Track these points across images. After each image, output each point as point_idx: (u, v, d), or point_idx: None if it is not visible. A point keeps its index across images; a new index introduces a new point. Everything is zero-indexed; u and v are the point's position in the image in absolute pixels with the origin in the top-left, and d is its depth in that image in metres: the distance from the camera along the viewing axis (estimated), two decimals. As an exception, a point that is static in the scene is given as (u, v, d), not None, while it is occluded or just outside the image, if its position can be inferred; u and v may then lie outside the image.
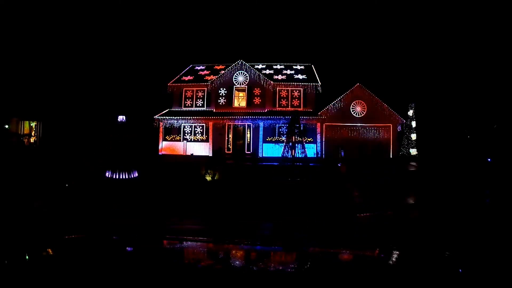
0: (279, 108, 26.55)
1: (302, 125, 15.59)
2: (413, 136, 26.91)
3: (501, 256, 6.04)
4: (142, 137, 28.06)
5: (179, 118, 26.48)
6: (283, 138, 22.92)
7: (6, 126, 28.88)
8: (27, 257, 2.11)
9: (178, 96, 27.99)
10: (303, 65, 30.61)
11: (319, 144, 25.57)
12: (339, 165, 11.34)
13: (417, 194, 13.41)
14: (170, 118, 26.55)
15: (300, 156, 14.23)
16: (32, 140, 30.96)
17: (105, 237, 2.73)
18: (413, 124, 27.17)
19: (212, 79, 27.75)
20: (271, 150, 25.43)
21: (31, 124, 31.31)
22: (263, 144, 25.85)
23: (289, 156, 14.07)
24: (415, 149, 26.64)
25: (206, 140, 26.29)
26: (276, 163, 17.87)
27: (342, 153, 11.36)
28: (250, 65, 27.62)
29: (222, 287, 1.81)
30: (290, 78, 28.34)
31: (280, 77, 28.31)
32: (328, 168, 15.72)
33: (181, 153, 25.95)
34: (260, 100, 26.78)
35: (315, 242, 7.81)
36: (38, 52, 35.80)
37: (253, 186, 13.77)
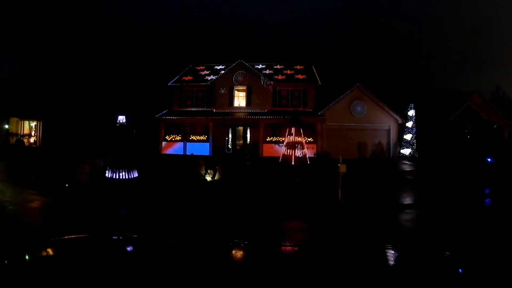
0: (279, 108, 26.56)
1: (302, 125, 15.60)
2: (413, 136, 26.90)
3: (501, 256, 6.04)
4: (142, 137, 28.08)
5: (179, 118, 26.49)
6: (283, 138, 22.93)
7: (6, 126, 28.88)
8: (27, 257, 2.11)
9: (178, 96, 28.01)
10: (303, 65, 30.62)
11: (319, 144, 25.58)
12: (339, 165, 11.33)
13: (417, 194, 13.42)
14: (170, 118, 26.56)
15: (300, 156, 14.21)
16: (32, 140, 30.96)
17: (105, 238, 2.73)
18: (413, 124, 27.17)
19: (212, 79, 27.75)
20: (271, 150, 25.43)
21: (31, 124, 31.30)
22: (263, 144, 25.85)
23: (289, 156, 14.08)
24: (415, 149, 26.64)
25: (206, 140, 26.29)
26: (276, 163, 17.86)
27: (343, 153, 11.40)
28: (250, 65, 27.63)
29: (225, 285, 1.81)
30: (290, 78, 28.35)
31: (280, 77, 28.32)
32: (328, 168, 15.73)
33: (181, 153, 25.96)
34: (260, 100, 26.78)
35: (315, 242, 7.80)
36: (39, 52, 35.81)
37: (253, 186, 13.76)
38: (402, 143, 27.23)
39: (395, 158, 26.19)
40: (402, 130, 27.40)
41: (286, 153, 14.31)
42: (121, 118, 14.01)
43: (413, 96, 34.53)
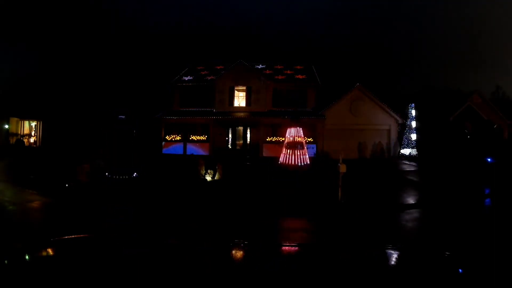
0: (279, 108, 26.51)
1: (300, 123, 15.61)
2: (413, 136, 26.91)
3: (500, 256, 6.04)
4: (142, 137, 28.06)
5: (179, 118, 26.47)
6: (283, 138, 22.88)
7: (6, 126, 28.87)
8: (27, 257, 2.11)
9: (178, 96, 27.98)
10: (303, 65, 30.59)
11: (319, 144, 25.57)
12: (339, 165, 11.33)
13: (417, 194, 13.41)
14: (170, 118, 26.54)
15: (300, 156, 14.20)
16: (32, 140, 30.94)
17: (105, 238, 2.73)
18: (413, 124, 27.18)
19: (212, 79, 27.74)
20: (271, 150, 25.40)
21: (31, 124, 31.29)
22: (263, 144, 25.84)
23: (289, 156, 14.07)
24: (415, 149, 26.63)
25: (206, 140, 26.27)
26: (276, 163, 17.85)
27: (343, 153, 11.43)
28: (250, 65, 27.61)
29: (225, 285, 1.81)
30: (290, 78, 28.33)
31: (280, 77, 28.30)
32: (328, 168, 15.73)
33: (181, 153, 25.94)
34: (260, 100, 26.76)
35: (315, 242, 7.80)
36: (39, 52, 35.81)
37: (253, 186, 13.76)
38: (402, 143, 27.23)
39: (395, 158, 26.17)
40: (402, 130, 27.38)
41: (286, 153, 14.28)
42: (121, 118, 14.01)
43: (413, 96, 34.49)
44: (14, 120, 29.67)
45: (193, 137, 26.39)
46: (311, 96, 27.29)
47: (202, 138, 26.38)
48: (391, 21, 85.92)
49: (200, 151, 25.38)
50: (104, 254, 2.24)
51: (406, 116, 27.47)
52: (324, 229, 8.96)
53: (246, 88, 27.06)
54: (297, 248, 2.77)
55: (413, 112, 27.50)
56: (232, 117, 26.14)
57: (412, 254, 2.55)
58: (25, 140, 29.73)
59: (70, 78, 35.73)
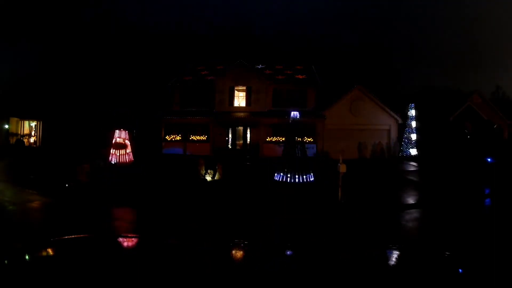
0: (279, 108, 26.51)
1: (302, 125, 15.61)
2: (413, 136, 26.89)
3: (500, 256, 6.04)
4: (142, 137, 28.07)
5: (179, 118, 26.46)
6: (283, 138, 22.87)
7: (6, 126, 28.87)
8: (27, 257, 2.11)
9: (178, 96, 27.97)
10: (303, 65, 30.60)
11: (319, 144, 25.57)
12: (339, 165, 11.32)
13: (417, 194, 13.42)
14: (171, 118, 26.54)
15: (300, 156, 14.21)
16: (32, 140, 30.95)
17: (105, 238, 2.73)
18: (413, 124, 27.17)
19: (212, 79, 27.74)
20: (271, 150, 25.41)
21: (31, 124, 31.30)
22: (263, 144, 25.84)
23: (289, 156, 14.08)
24: (415, 149, 26.62)
25: (206, 140, 26.27)
26: (276, 163, 17.84)
27: (343, 153, 11.45)
28: (250, 65, 27.61)
29: (225, 286, 1.81)
30: (290, 78, 28.34)
31: (280, 77, 28.31)
32: (328, 168, 15.73)
33: (181, 153, 25.94)
34: (260, 100, 26.76)
35: (315, 242, 7.80)
36: (39, 52, 35.80)
37: (253, 186, 13.76)
38: (402, 143, 27.22)
39: (395, 158, 26.18)
40: (402, 130, 27.38)
41: (286, 153, 14.28)
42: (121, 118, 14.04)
43: (413, 96, 34.51)
44: (14, 120, 29.68)
45: (193, 137, 26.39)
46: (311, 96, 27.30)
47: (202, 138, 26.37)
48: (391, 21, 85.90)
49: (200, 151, 25.36)
50: (104, 254, 2.24)
51: (406, 116, 27.47)
52: (324, 229, 8.95)
53: (246, 88, 27.06)
54: (297, 248, 2.77)
55: (413, 112, 27.49)
56: (232, 117, 26.14)
57: (412, 254, 2.55)
58: (25, 140, 29.74)
59: (70, 78, 35.72)
